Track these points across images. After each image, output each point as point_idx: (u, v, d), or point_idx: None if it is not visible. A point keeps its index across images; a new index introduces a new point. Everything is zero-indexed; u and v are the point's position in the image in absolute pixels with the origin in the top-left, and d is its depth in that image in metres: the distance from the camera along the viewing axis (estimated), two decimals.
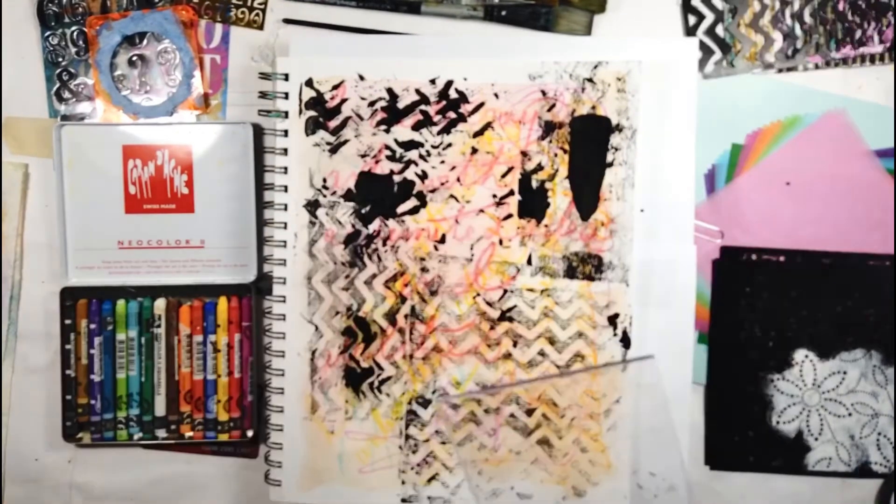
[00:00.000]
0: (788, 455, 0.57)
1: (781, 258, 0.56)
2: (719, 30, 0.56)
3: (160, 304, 0.56)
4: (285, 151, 0.55)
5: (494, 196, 0.55)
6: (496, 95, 0.55)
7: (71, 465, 0.59)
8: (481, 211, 0.55)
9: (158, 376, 0.57)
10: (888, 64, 0.56)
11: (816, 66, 0.56)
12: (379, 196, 0.55)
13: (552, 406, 0.55)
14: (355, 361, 0.56)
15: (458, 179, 0.55)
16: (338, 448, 0.56)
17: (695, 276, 0.55)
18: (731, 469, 0.57)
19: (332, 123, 0.55)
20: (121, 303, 0.57)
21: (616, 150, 0.55)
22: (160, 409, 0.57)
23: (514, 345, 0.55)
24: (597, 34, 0.56)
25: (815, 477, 0.57)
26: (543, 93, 0.55)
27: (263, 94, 0.55)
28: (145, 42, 0.57)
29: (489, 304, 0.55)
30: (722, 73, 0.56)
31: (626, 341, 0.55)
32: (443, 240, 0.55)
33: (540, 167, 0.55)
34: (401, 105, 0.55)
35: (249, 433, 0.57)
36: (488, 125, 0.55)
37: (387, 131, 0.55)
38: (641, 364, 0.55)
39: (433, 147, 0.55)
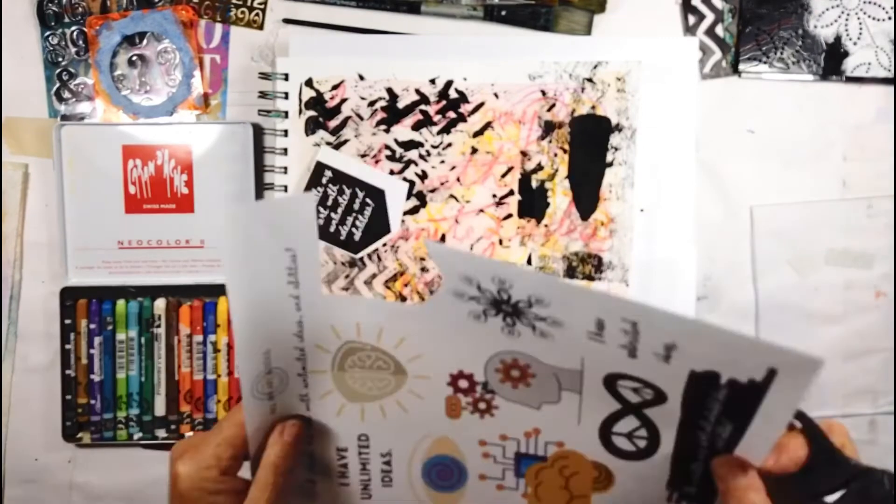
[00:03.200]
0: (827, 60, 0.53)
1: None
2: (719, 30, 0.56)
3: (160, 304, 0.56)
4: (285, 151, 0.55)
5: (494, 196, 0.55)
6: (496, 95, 0.55)
7: (71, 465, 0.59)
8: (481, 211, 0.55)
9: (158, 376, 0.57)
10: None
11: None
12: None
13: None
14: None
15: (458, 179, 0.55)
16: None
17: (695, 275, 0.55)
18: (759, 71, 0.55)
19: (332, 123, 0.55)
20: (121, 303, 0.57)
21: (616, 150, 0.55)
22: (160, 408, 0.57)
23: None
24: (597, 34, 0.56)
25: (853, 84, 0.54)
26: (543, 93, 0.55)
27: (263, 94, 0.55)
28: (145, 42, 0.57)
29: None
30: (721, 73, 0.56)
31: None
32: (443, 239, 0.55)
33: (540, 167, 0.55)
34: (401, 105, 0.55)
35: None
36: (488, 125, 0.55)
37: (387, 131, 0.55)
38: None
39: (433, 147, 0.55)
